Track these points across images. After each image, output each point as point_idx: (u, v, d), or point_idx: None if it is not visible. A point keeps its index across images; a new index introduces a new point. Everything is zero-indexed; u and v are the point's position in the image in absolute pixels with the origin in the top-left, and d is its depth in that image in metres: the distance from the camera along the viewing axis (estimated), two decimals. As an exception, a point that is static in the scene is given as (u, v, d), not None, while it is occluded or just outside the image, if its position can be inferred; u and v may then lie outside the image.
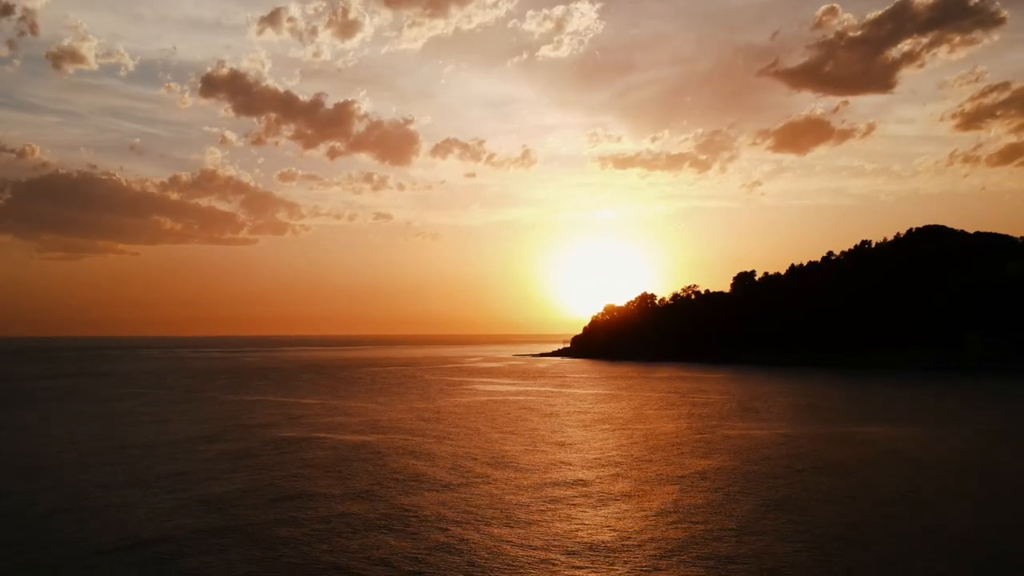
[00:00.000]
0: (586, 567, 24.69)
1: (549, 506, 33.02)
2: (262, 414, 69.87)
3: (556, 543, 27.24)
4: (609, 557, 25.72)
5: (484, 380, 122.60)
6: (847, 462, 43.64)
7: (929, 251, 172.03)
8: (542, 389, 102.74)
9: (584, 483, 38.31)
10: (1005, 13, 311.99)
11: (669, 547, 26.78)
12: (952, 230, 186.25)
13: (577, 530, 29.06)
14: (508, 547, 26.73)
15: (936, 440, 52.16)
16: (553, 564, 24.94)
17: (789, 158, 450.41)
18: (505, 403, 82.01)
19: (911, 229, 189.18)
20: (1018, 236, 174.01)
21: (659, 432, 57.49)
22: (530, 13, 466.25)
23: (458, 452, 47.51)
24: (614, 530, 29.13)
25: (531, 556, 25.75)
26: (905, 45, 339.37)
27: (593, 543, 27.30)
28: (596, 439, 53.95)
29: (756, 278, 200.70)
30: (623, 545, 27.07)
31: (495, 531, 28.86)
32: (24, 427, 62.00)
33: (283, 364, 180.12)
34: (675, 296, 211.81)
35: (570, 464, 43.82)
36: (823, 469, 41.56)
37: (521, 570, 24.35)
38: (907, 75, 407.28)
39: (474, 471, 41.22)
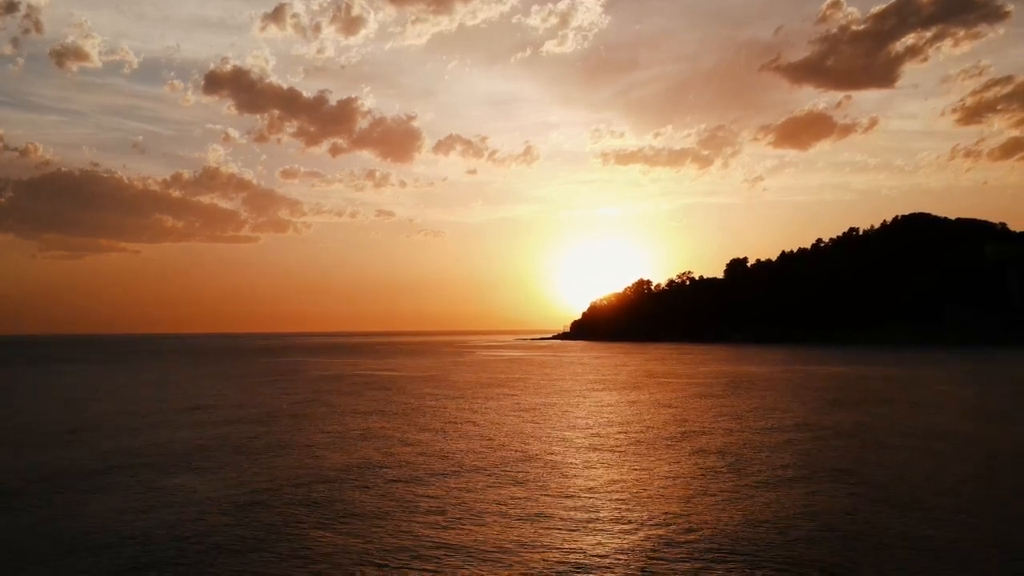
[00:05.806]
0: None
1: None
2: (357, 366, 78.63)
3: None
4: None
5: (491, 350, 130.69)
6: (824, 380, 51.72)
7: (914, 237, 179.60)
8: (543, 355, 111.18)
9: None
10: (1010, 8, 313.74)
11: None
12: (936, 217, 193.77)
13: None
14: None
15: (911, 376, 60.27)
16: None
17: (791, 153, 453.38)
18: (519, 360, 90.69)
19: (897, 216, 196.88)
20: (996, 221, 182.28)
21: (652, 369, 65.62)
22: (535, 8, 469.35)
23: (511, 375, 56.74)
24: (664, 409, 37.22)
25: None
26: (909, 39, 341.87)
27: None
28: (591, 372, 62.26)
29: (748, 265, 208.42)
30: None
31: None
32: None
33: (315, 346, 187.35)
34: (670, 282, 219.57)
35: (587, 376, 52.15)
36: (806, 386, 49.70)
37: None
38: (910, 69, 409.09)
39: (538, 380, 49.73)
